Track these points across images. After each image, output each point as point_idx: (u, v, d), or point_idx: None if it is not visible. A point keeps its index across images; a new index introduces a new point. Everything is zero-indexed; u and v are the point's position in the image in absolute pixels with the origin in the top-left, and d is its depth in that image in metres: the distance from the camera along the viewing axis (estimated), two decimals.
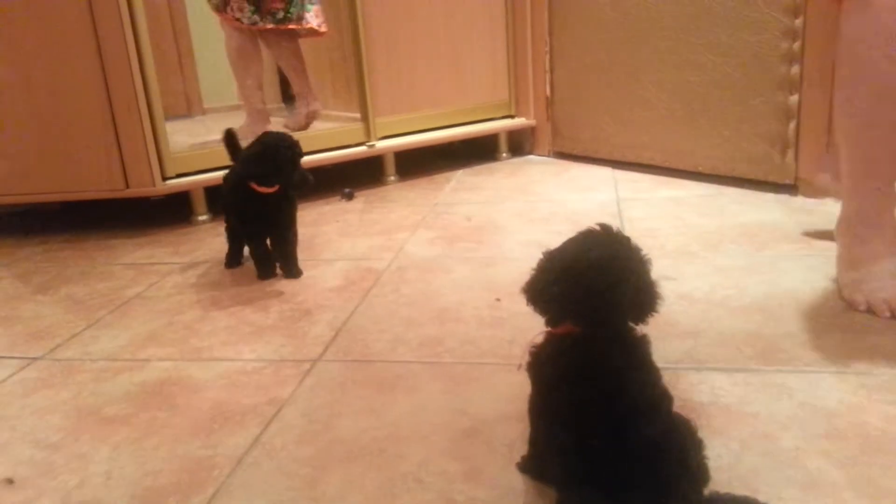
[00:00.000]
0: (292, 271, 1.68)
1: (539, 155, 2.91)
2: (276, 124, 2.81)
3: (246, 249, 1.75)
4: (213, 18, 2.76)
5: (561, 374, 0.77)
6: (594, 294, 0.73)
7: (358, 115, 2.54)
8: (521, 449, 0.92)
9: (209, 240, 2.03)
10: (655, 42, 2.35)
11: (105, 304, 1.61)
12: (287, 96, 3.33)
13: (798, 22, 1.96)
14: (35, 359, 1.35)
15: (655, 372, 0.79)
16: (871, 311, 1.27)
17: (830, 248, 1.52)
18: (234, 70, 2.80)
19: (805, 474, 0.86)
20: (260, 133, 1.64)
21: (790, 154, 2.05)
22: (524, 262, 1.38)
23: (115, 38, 2.00)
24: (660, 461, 0.71)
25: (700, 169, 2.31)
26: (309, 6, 2.73)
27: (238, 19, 2.65)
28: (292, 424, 1.06)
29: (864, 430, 0.94)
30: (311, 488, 0.91)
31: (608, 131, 2.60)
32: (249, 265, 1.73)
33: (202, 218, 2.23)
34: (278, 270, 1.70)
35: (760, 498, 0.77)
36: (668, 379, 0.80)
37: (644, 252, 0.77)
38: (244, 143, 1.73)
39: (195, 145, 2.54)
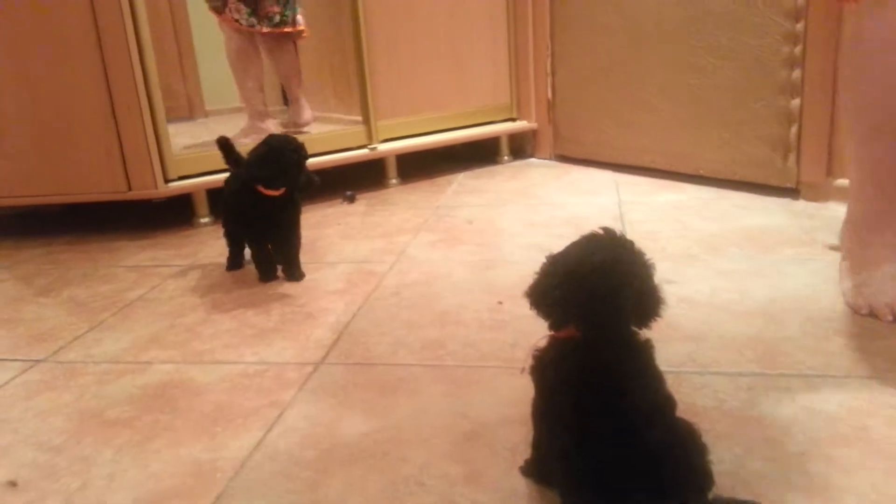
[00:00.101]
0: (294, 274, 1.68)
1: (540, 158, 2.91)
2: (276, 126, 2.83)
3: (247, 252, 1.75)
4: (215, 20, 2.77)
5: (563, 379, 0.77)
6: (597, 298, 0.73)
7: (359, 118, 2.54)
8: (524, 452, 0.92)
9: (211, 242, 2.03)
10: (657, 45, 2.35)
11: (107, 306, 1.61)
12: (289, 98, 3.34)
13: (799, 26, 1.97)
14: (38, 361, 1.35)
15: (658, 376, 0.79)
16: (873, 314, 1.27)
17: (833, 252, 1.53)
18: (234, 72, 2.81)
19: (809, 479, 0.86)
20: (263, 135, 1.64)
21: (792, 158, 2.05)
22: (525, 265, 1.39)
23: (116, 41, 2.00)
24: (663, 466, 0.71)
25: (701, 172, 2.31)
26: (296, 8, 2.76)
27: (237, 20, 2.66)
28: (294, 427, 1.06)
29: (868, 435, 0.94)
30: (314, 491, 0.91)
31: (610, 134, 2.60)
32: (251, 268, 1.73)
33: (204, 220, 2.23)
34: (280, 273, 1.70)
35: (764, 503, 0.77)
36: (670, 382, 0.80)
37: (647, 256, 0.77)
38: (245, 145, 1.73)
39: (197, 147, 2.54)
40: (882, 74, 1.24)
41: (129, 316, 1.54)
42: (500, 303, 1.46)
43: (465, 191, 2.47)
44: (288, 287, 1.65)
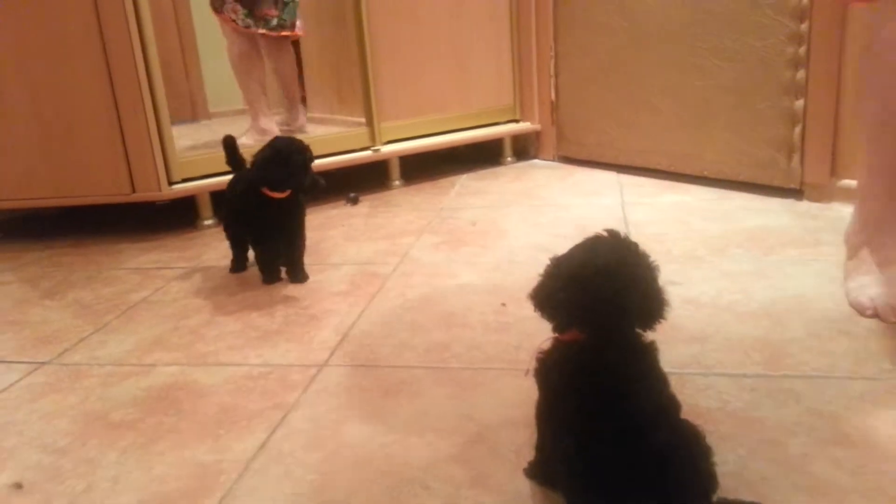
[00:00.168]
0: (298, 276, 1.68)
1: (544, 159, 2.91)
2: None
3: (250, 254, 1.75)
4: (217, 22, 2.78)
5: (568, 381, 0.77)
6: (602, 300, 0.73)
7: (363, 120, 2.55)
8: (528, 454, 0.91)
9: (215, 244, 2.03)
10: (661, 46, 2.35)
11: (111, 308, 1.61)
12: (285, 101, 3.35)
13: (804, 27, 1.96)
14: (43, 363, 1.35)
15: (663, 378, 0.78)
16: (877, 316, 1.27)
17: (837, 253, 1.52)
18: (236, 74, 2.82)
19: (813, 480, 0.86)
20: (265, 137, 1.65)
21: (796, 159, 2.05)
22: (529, 266, 1.39)
23: (121, 43, 2.00)
24: (668, 468, 0.71)
25: (706, 173, 2.30)
26: (296, 13, 2.78)
27: (233, 20, 2.67)
28: (299, 429, 1.06)
29: (873, 437, 0.94)
30: (318, 494, 0.91)
31: (613, 135, 2.60)
32: (254, 270, 1.73)
33: (208, 222, 2.23)
34: (283, 275, 1.70)
35: None
36: (674, 384, 0.80)
37: (652, 258, 0.77)
38: (247, 147, 1.74)
39: (201, 149, 2.54)
40: None
41: (133, 318, 1.55)
42: (504, 304, 1.46)
43: (468, 192, 2.47)
44: (292, 289, 1.65)
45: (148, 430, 1.09)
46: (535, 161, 2.91)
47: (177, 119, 2.40)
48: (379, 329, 1.39)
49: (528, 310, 0.80)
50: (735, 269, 1.56)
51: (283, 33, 2.78)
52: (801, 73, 1.99)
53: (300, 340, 1.37)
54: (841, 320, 1.28)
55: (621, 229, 0.79)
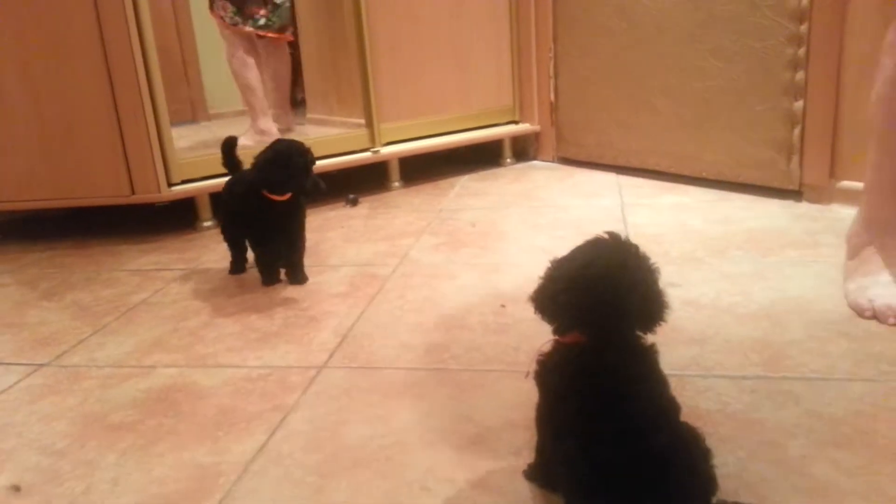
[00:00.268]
0: (298, 278, 1.68)
1: (543, 160, 2.91)
2: None
3: (250, 255, 1.75)
4: (216, 24, 2.79)
5: (568, 383, 0.77)
6: (602, 303, 0.73)
7: (362, 121, 2.55)
8: (528, 456, 0.91)
9: (214, 246, 2.03)
10: (660, 47, 2.35)
11: (111, 310, 1.61)
12: (294, 101, 3.35)
13: (803, 28, 1.96)
14: (41, 365, 1.35)
15: (663, 380, 0.78)
16: (876, 317, 1.27)
17: (836, 255, 1.52)
18: (234, 76, 2.83)
19: (812, 482, 0.86)
20: (265, 138, 1.65)
21: (795, 160, 2.05)
22: (529, 268, 1.39)
23: (121, 45, 2.00)
24: (667, 470, 0.70)
25: (705, 175, 2.30)
26: (287, 16, 2.79)
27: (222, 17, 2.68)
28: (298, 431, 1.06)
29: (872, 438, 0.94)
30: (317, 495, 0.91)
31: (612, 137, 2.60)
32: (254, 272, 1.73)
33: (207, 224, 2.23)
34: (283, 277, 1.70)
35: None
36: (674, 385, 0.80)
37: (652, 261, 0.77)
38: (248, 148, 1.73)
39: (200, 151, 2.55)
40: None
41: (132, 320, 1.55)
42: (503, 306, 1.46)
43: (467, 193, 2.47)
44: (291, 291, 1.65)
45: (147, 432, 1.09)
46: (535, 162, 2.91)
47: (176, 120, 2.41)
48: (378, 330, 1.39)
49: (528, 311, 0.80)
50: (734, 271, 1.56)
51: (269, 34, 2.79)
52: (800, 75, 1.99)
53: (299, 342, 1.37)
54: (840, 322, 1.28)
55: (620, 230, 0.79)
